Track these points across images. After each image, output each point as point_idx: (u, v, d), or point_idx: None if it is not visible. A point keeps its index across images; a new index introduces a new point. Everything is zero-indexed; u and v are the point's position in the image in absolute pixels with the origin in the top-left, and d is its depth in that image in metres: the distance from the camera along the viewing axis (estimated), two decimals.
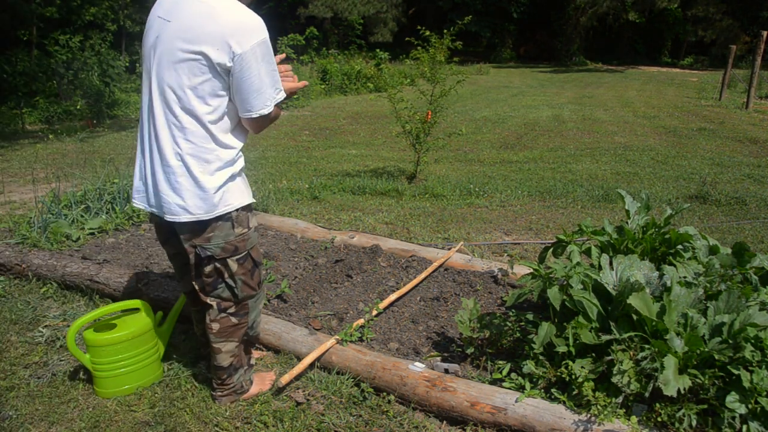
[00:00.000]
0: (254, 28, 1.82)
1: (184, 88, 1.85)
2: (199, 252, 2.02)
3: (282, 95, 1.96)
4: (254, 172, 6.98)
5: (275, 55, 1.96)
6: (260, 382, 2.39)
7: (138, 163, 2.07)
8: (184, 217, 1.94)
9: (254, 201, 2.11)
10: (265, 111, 1.91)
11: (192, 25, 1.80)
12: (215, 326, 2.15)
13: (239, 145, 2.00)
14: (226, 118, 1.94)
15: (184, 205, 1.92)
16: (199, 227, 1.97)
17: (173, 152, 1.90)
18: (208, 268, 2.05)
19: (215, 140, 1.92)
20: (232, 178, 1.99)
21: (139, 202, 2.09)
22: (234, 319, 2.17)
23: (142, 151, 2.04)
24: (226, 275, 2.07)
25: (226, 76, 1.85)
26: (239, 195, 2.01)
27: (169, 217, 1.96)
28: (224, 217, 1.98)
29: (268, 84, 1.89)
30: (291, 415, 2.22)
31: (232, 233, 2.01)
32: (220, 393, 2.30)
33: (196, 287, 2.14)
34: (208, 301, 2.13)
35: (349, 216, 4.96)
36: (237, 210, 2.01)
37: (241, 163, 2.03)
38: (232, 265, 2.05)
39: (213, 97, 1.88)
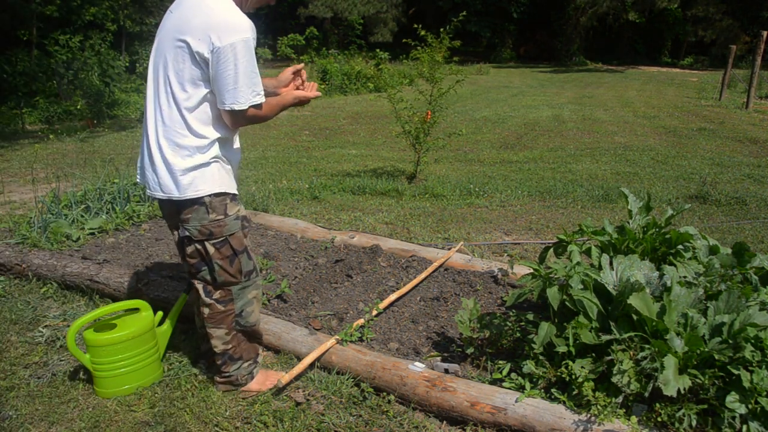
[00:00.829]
0: (238, 27, 1.91)
1: (169, 73, 1.98)
2: (179, 231, 2.14)
3: (260, 99, 2.01)
4: (254, 172, 6.98)
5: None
6: (262, 381, 2.39)
7: (143, 141, 2.20)
8: (159, 195, 2.07)
9: (232, 192, 2.15)
10: (237, 107, 1.96)
11: (184, 17, 1.94)
12: (205, 311, 2.25)
13: (214, 136, 2.06)
14: (205, 108, 2.03)
15: (159, 183, 2.06)
16: (176, 207, 2.09)
17: (154, 132, 2.05)
18: (189, 249, 2.15)
19: (188, 127, 2.01)
20: (205, 165, 2.05)
21: (139, 178, 2.22)
22: (220, 306, 2.23)
23: (144, 129, 2.16)
24: (206, 258, 2.16)
25: (205, 66, 1.94)
26: (211, 183, 2.07)
27: (149, 192, 2.12)
28: (198, 201, 2.06)
29: (244, 83, 1.95)
30: (291, 415, 2.22)
31: (207, 218, 2.09)
32: (218, 379, 2.37)
33: (186, 269, 2.27)
34: (196, 284, 2.23)
35: (349, 216, 4.96)
36: (210, 196, 2.07)
37: (213, 152, 2.06)
38: (210, 248, 2.13)
39: (191, 85, 1.97)
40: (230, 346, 2.28)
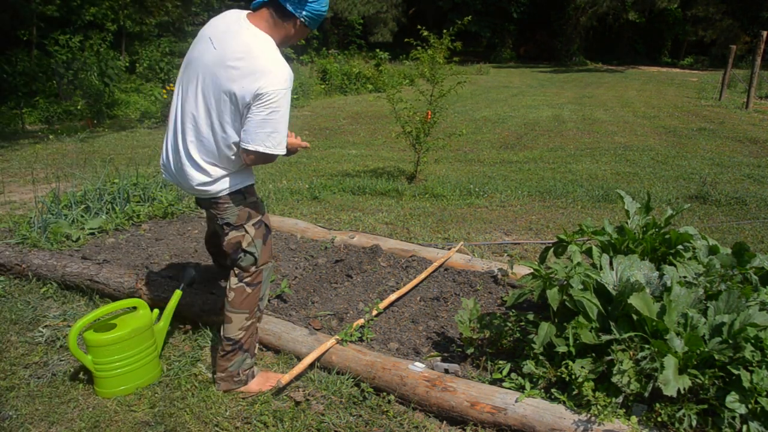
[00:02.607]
0: (283, 77, 2.03)
1: (223, 116, 2.09)
2: (218, 221, 2.29)
3: (281, 151, 2.14)
4: (254, 172, 6.97)
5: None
6: (263, 382, 2.39)
7: (169, 145, 2.30)
8: (200, 194, 2.26)
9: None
10: (261, 149, 2.08)
11: (231, 62, 2.01)
12: (231, 294, 2.33)
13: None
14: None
15: (201, 188, 2.23)
16: (215, 200, 2.26)
17: (198, 156, 2.18)
18: (228, 236, 2.28)
19: (234, 158, 2.20)
20: (245, 167, 2.29)
21: (166, 175, 2.37)
22: (248, 289, 2.33)
23: (174, 137, 2.25)
24: (244, 244, 2.28)
25: (245, 111, 2.05)
26: (247, 176, 2.32)
27: (186, 190, 2.30)
28: (234, 192, 2.27)
29: (274, 131, 2.07)
30: (291, 415, 2.22)
31: (245, 201, 2.29)
32: (219, 374, 2.36)
33: (227, 261, 2.38)
34: (233, 270, 2.34)
35: (349, 216, 4.96)
36: (246, 186, 2.30)
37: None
38: (250, 230, 2.29)
39: (232, 128, 2.10)
40: (245, 334, 2.33)
